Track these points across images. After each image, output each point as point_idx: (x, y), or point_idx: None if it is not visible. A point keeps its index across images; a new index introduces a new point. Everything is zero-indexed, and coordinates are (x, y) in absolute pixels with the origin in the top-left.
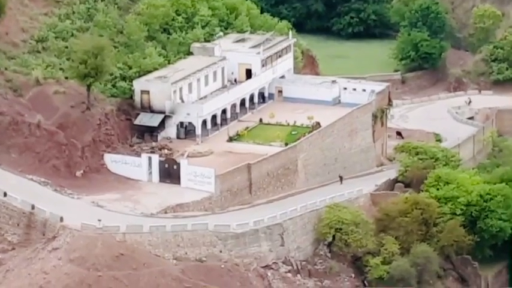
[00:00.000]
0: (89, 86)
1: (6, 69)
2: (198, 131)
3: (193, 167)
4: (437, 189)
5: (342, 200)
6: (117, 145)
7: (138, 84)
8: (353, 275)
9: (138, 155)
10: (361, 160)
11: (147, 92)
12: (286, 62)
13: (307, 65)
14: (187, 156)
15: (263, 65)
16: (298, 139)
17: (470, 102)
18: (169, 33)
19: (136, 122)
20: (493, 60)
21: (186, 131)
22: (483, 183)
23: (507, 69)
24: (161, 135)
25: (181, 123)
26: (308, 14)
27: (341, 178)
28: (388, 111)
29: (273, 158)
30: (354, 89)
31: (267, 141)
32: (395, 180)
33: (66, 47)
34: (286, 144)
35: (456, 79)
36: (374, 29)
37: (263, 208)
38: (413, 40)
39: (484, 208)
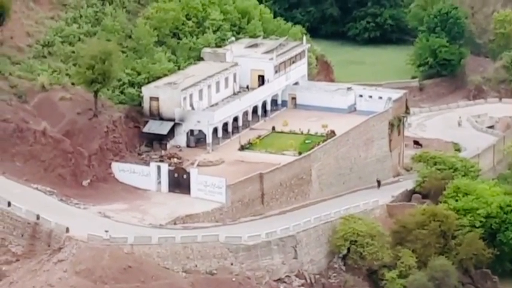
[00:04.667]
0: (96, 92)
1: (10, 74)
2: (209, 139)
3: (204, 176)
4: (456, 200)
5: (357, 211)
6: (125, 153)
7: (147, 91)
8: None
9: (147, 163)
10: (377, 170)
11: (156, 99)
12: (300, 68)
13: (322, 71)
14: (198, 165)
15: (276, 71)
16: (312, 148)
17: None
18: (179, 38)
19: (145, 129)
20: None
21: (197, 139)
22: (503, 194)
23: None
24: (170, 144)
25: (192, 131)
26: (323, 18)
27: (379, 182)
28: (405, 119)
29: (286, 167)
30: (370, 97)
31: (280, 150)
32: (413, 191)
33: (73, 52)
34: (300, 153)
35: (476, 86)
36: (391, 34)
37: (276, 219)
38: (431, 46)
39: (504, 220)
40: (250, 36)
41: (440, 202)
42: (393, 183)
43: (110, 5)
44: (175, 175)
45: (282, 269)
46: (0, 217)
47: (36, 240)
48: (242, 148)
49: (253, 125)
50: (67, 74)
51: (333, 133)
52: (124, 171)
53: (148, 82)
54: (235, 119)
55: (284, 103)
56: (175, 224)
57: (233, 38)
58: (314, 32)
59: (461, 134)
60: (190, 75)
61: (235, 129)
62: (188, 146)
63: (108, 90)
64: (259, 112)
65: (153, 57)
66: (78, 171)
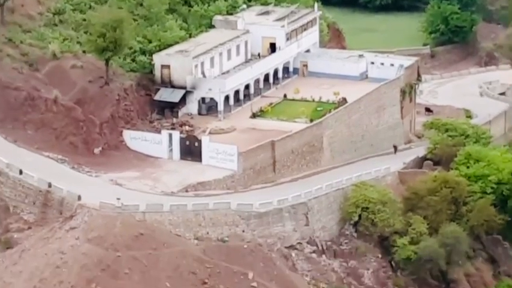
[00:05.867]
0: (107, 60)
1: (21, 42)
2: (220, 107)
3: (215, 144)
4: (468, 167)
5: (369, 178)
6: (136, 121)
7: (158, 59)
8: (380, 256)
9: (158, 131)
10: (388, 137)
11: (168, 67)
12: (312, 36)
13: (333, 38)
14: (209, 133)
15: (288, 39)
16: (324, 115)
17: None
18: (190, 6)
19: (157, 97)
20: None
21: (208, 107)
22: None
23: None
24: (182, 111)
25: (203, 99)
26: None
27: (395, 148)
28: (416, 86)
29: (298, 135)
30: (382, 64)
31: (292, 118)
32: (424, 158)
33: (84, 20)
34: (311, 121)
35: (487, 53)
36: (402, 1)
37: (287, 187)
38: (443, 13)
39: None
40: (262, 4)
41: (452, 169)
42: (405, 150)
43: None
44: (187, 143)
45: (294, 236)
46: (12, 185)
47: (48, 208)
48: (254, 116)
49: (264, 93)
50: (78, 42)
51: (344, 100)
52: (135, 139)
53: (160, 50)
54: (247, 87)
55: (295, 70)
56: (186, 191)
57: (244, 6)
58: (326, 0)
59: (472, 100)
60: (201, 43)
61: (247, 96)
62: (200, 113)
63: (119, 58)
64: (271, 80)
65: (165, 25)
66: (90, 139)
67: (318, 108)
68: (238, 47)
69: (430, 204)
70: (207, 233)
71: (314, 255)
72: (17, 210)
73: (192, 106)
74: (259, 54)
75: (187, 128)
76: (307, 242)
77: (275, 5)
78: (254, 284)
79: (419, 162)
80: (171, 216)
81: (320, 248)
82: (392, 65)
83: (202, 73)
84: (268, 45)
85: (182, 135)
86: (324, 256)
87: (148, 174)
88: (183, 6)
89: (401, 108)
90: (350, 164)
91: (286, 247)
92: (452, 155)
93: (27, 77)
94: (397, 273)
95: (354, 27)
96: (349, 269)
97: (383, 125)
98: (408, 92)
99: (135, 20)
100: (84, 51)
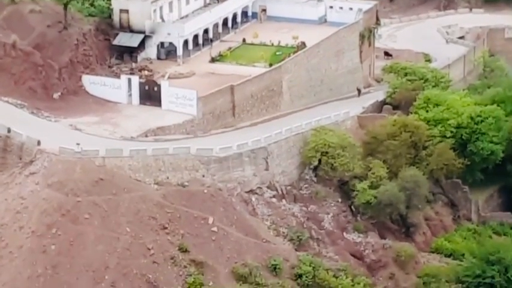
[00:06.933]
0: (65, 5)
1: None
2: (179, 51)
3: (175, 88)
4: (427, 111)
5: (328, 122)
6: (95, 66)
7: (117, 3)
8: (339, 200)
9: (118, 76)
10: (348, 81)
11: (126, 11)
12: None
13: None
14: (168, 77)
15: None
16: (283, 60)
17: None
18: None
19: (115, 42)
20: None
21: (167, 52)
22: (474, 104)
23: None
24: (141, 56)
25: (162, 44)
26: None
27: (359, 91)
28: (375, 30)
29: (257, 79)
30: (341, 8)
31: (251, 62)
32: (384, 102)
33: None
34: (271, 65)
35: None
36: None
37: (247, 131)
38: None
39: (475, 130)
40: None
41: (411, 113)
42: (364, 94)
43: None
44: (146, 87)
45: (254, 180)
46: None
47: (8, 153)
48: (213, 60)
49: (223, 37)
50: None
51: (303, 44)
52: (95, 83)
53: None
54: (206, 31)
55: (254, 15)
56: (146, 136)
57: None
58: None
59: (431, 44)
60: None
61: (206, 41)
62: (159, 58)
63: (77, 2)
64: (230, 24)
65: None
66: (49, 84)
67: (277, 53)
68: None
69: (390, 149)
70: (167, 178)
71: (274, 199)
72: None
73: (151, 51)
74: None
75: (146, 72)
76: (267, 187)
77: None
78: (214, 228)
79: (379, 107)
80: (131, 161)
81: (280, 192)
82: (351, 9)
83: (161, 17)
84: None
85: (141, 80)
86: (284, 201)
87: (108, 119)
88: None
89: (360, 52)
90: (309, 108)
91: (246, 192)
92: (412, 99)
93: None
94: (357, 217)
95: None
96: (309, 214)
97: (342, 69)
98: (367, 36)
99: None
100: None
